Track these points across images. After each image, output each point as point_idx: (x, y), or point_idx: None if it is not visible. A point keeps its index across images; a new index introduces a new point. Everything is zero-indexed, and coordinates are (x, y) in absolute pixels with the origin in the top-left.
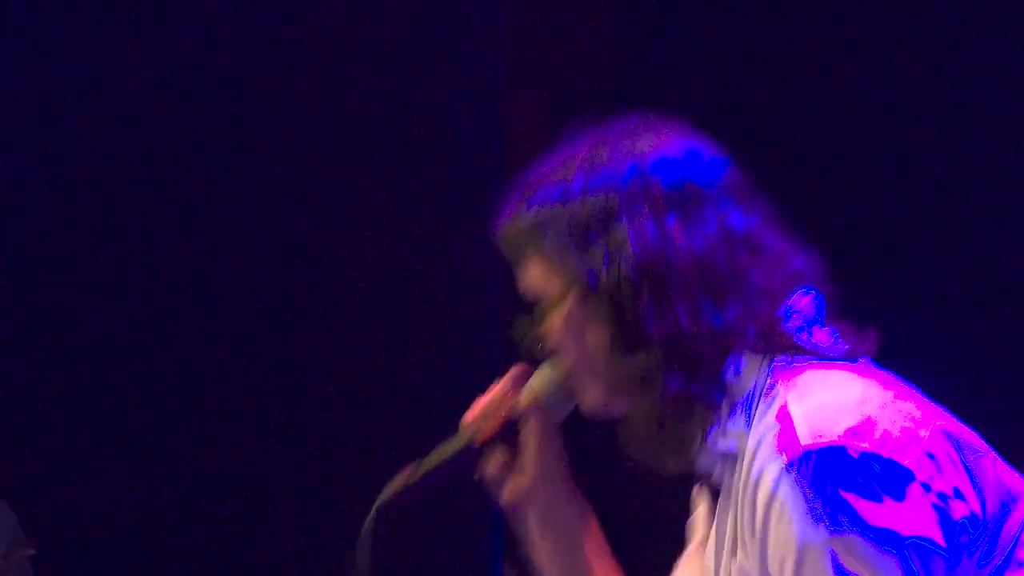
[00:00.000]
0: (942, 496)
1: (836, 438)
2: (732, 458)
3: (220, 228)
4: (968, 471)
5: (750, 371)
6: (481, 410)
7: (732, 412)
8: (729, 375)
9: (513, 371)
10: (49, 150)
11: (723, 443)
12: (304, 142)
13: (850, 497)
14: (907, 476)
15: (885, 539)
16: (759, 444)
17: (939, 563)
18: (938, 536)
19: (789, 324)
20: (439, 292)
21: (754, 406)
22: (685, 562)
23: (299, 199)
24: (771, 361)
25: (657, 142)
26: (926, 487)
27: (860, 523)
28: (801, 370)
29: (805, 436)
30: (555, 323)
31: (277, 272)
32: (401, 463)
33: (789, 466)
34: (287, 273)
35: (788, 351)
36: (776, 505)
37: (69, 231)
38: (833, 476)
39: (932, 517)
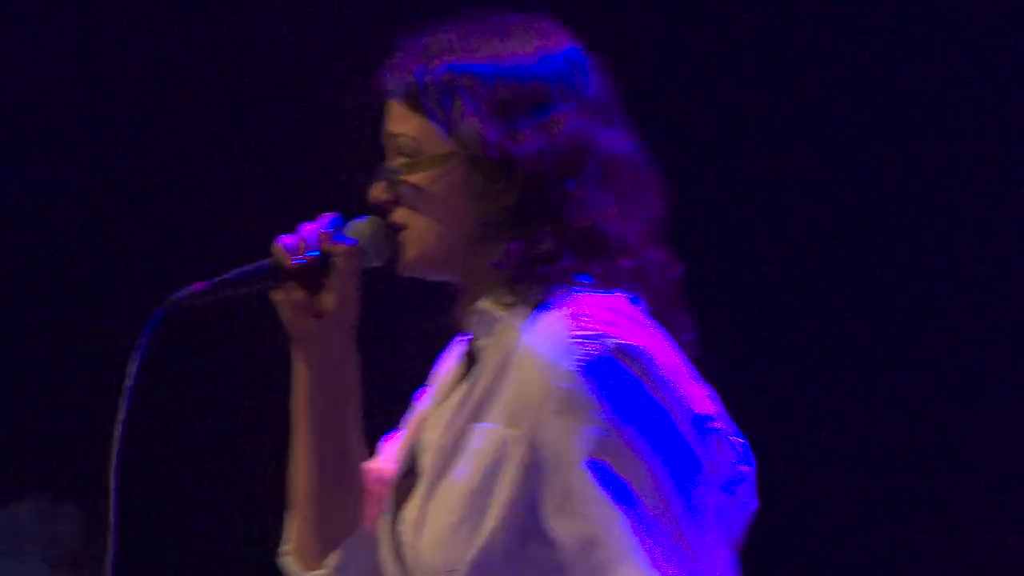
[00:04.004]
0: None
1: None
2: (501, 329)
3: None
4: None
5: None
6: (298, 238)
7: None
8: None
9: (330, 215)
10: None
11: (505, 315)
12: None
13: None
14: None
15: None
16: (541, 329)
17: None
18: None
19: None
20: None
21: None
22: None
23: None
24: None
25: (577, 48)
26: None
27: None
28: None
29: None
30: (424, 179)
31: None
32: None
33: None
34: None
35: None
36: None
37: None
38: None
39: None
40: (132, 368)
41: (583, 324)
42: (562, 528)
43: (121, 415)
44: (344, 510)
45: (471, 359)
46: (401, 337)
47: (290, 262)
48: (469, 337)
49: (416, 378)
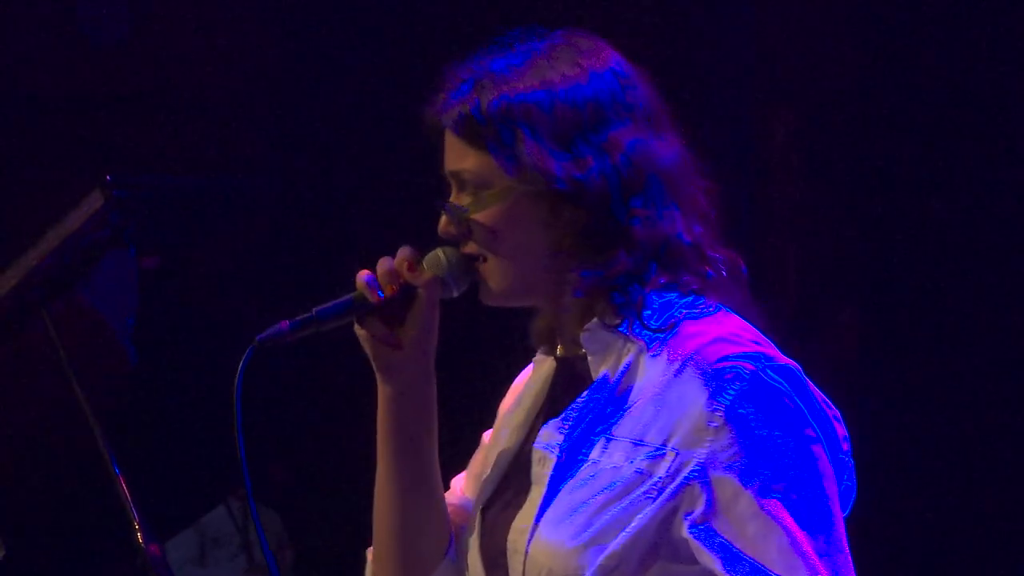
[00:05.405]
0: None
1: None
2: (616, 346)
3: None
4: None
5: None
6: (381, 271)
7: (647, 311)
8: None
9: (408, 248)
10: None
11: (630, 331)
12: None
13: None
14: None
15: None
16: (697, 354)
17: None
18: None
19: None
20: None
21: (672, 317)
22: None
23: None
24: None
25: (620, 60)
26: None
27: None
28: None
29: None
30: (491, 216)
31: None
32: None
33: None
34: None
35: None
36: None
37: None
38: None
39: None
40: (235, 404)
41: (731, 346)
42: (718, 544)
43: (239, 451)
44: (425, 542)
45: (564, 373)
46: (466, 376)
47: (374, 297)
48: (549, 356)
49: (478, 419)
